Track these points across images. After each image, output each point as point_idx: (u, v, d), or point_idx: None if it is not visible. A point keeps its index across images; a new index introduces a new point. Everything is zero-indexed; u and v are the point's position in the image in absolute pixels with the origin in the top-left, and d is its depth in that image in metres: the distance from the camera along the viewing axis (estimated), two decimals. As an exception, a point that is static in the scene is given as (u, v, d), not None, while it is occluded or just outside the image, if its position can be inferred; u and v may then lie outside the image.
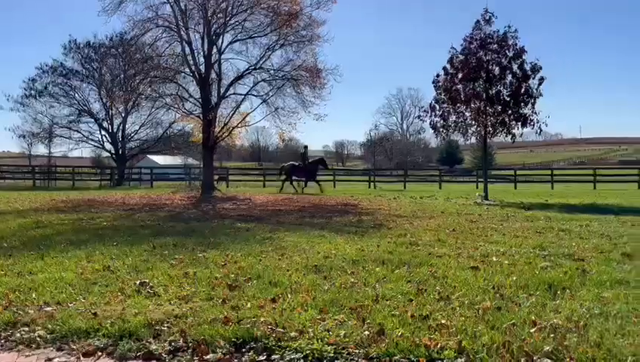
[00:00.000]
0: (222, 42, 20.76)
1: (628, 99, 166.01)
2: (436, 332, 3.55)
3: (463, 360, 3.13)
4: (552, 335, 3.41)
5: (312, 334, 3.56)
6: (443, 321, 3.76)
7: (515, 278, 5.14)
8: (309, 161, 25.43)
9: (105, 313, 4.10)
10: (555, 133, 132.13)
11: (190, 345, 3.50)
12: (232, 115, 21.51)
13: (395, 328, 3.64)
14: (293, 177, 24.87)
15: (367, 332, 3.55)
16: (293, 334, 3.57)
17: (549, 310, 4.05)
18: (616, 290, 4.65)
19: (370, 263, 6.03)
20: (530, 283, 4.95)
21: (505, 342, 3.30)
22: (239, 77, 21.26)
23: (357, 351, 3.31)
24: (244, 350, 3.43)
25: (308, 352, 3.30)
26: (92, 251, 6.93)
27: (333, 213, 13.06)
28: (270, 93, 21.15)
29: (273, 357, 3.32)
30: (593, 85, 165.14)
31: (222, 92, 21.06)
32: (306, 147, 27.06)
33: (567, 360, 3.05)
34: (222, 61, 21.14)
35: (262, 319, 3.86)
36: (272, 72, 21.13)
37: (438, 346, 3.29)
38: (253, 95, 21.42)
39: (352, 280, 5.18)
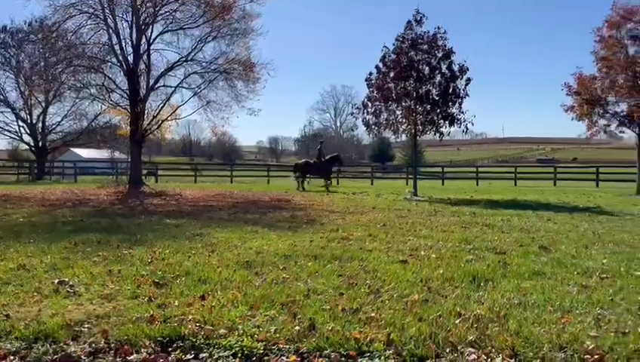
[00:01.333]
0: (151, 32, 20.03)
1: (545, 101, 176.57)
2: (366, 326, 3.59)
3: (391, 351, 3.18)
4: (475, 326, 3.54)
5: (242, 331, 3.50)
6: (373, 314, 3.82)
7: (441, 271, 5.30)
8: (324, 158, 23.91)
9: (18, 314, 3.84)
10: (479, 133, 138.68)
11: (112, 345, 3.34)
12: (162, 107, 20.85)
13: (325, 322, 3.65)
14: (307, 175, 23.45)
15: (298, 328, 3.53)
16: (222, 331, 3.49)
17: (473, 301, 4.21)
18: (533, 281, 4.91)
19: (302, 258, 6.03)
20: (455, 275, 5.12)
21: (431, 333, 3.40)
22: (170, 68, 20.60)
23: (287, 346, 3.29)
24: (170, 349, 3.32)
25: (237, 349, 3.24)
26: (5, 249, 6.48)
27: (266, 208, 12.96)
28: (202, 86, 20.68)
29: (201, 355, 3.23)
30: (514, 87, 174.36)
31: (151, 84, 20.33)
32: (321, 143, 25.95)
33: (489, 348, 3.17)
34: (151, 52, 20.40)
35: (190, 317, 3.75)
36: (204, 64, 20.64)
37: (368, 339, 3.33)
38: (184, 87, 20.86)
39: (284, 275, 5.15)
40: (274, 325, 3.60)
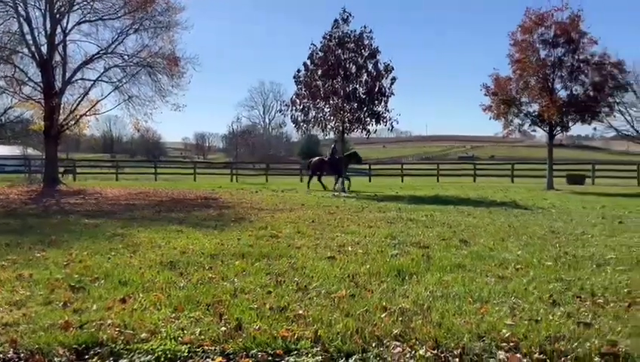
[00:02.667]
0: (67, 22, 19.02)
1: (466, 101, 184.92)
2: (294, 323, 3.57)
3: (318, 348, 3.18)
4: (400, 319, 3.62)
5: (165, 334, 3.37)
6: (300, 312, 3.80)
7: (368, 266, 5.38)
8: (339, 155, 22.26)
9: None
10: (405, 131, 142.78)
11: (22, 356, 3.11)
12: (80, 101, 19.85)
13: (252, 321, 3.59)
14: (319, 173, 22.00)
15: (224, 328, 3.45)
16: (144, 335, 3.35)
17: (398, 295, 4.30)
18: (455, 274, 5.10)
19: (229, 257, 5.92)
20: (382, 270, 5.21)
21: (358, 328, 3.43)
22: (88, 61, 19.63)
23: (213, 348, 3.20)
24: (87, 357, 3.13)
25: (160, 353, 3.12)
26: None
27: (192, 207, 12.64)
28: (124, 80, 19.91)
29: (121, 361, 3.07)
30: (438, 87, 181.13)
31: (68, 76, 19.29)
32: (336, 141, 24.70)
33: (413, 341, 3.25)
34: (67, 43, 19.40)
35: (109, 321, 3.57)
36: (125, 57, 19.86)
37: (295, 337, 3.31)
38: (104, 81, 19.97)
39: (210, 275, 5.03)
40: (199, 326, 3.50)
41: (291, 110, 19.47)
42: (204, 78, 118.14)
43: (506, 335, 3.30)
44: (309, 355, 3.10)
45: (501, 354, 3.06)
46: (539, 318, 3.63)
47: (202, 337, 3.33)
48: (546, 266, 5.48)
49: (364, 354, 3.09)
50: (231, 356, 3.13)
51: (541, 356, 3.05)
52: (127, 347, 3.20)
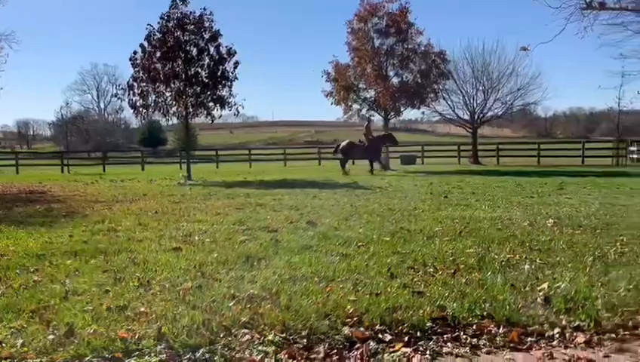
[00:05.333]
0: None
1: (310, 87, 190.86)
2: (135, 322, 3.32)
3: (162, 346, 3.00)
4: (249, 306, 3.57)
5: (-24, 352, 2.91)
6: (142, 309, 3.56)
7: (216, 255, 5.25)
8: (372, 136, 20.00)
9: None
10: (251, 116, 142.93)
11: None
12: None
13: (87, 325, 3.27)
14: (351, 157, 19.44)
15: (52, 336, 3.09)
16: (-51, 357, 2.86)
17: (247, 281, 4.25)
18: (302, 255, 5.19)
19: (59, 256, 5.33)
20: (230, 257, 5.12)
21: (205, 319, 3.31)
22: None
23: (38, 360, 2.84)
24: None
25: (-30, 375, 2.68)
26: None
27: (14, 202, 11.22)
28: None
29: None
30: (283, 73, 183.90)
31: None
32: (369, 120, 21.18)
33: (262, 326, 3.23)
34: None
35: None
36: None
37: (137, 336, 3.08)
38: None
39: (36, 278, 4.48)
40: (21, 337, 3.09)
41: (129, 94, 18.26)
42: (25, 58, 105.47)
43: (350, 311, 3.43)
44: (152, 354, 2.91)
45: (346, 330, 3.17)
46: (379, 291, 3.85)
47: (25, 349, 2.94)
48: (384, 241, 5.85)
49: (212, 346, 2.99)
50: (61, 366, 2.81)
51: (382, 327, 3.23)
52: None
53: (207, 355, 2.91)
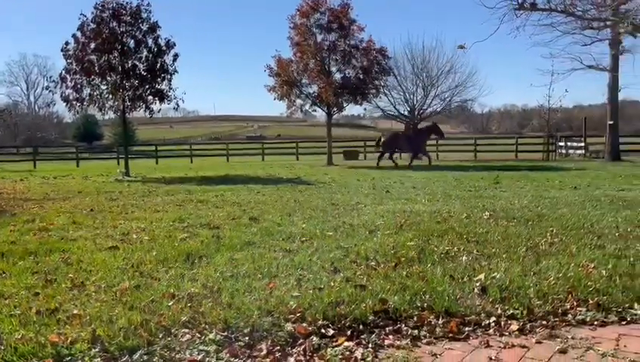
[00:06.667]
0: None
1: (253, 81, 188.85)
2: (67, 326, 3.16)
3: (97, 349, 2.87)
4: (189, 305, 3.48)
5: None
6: (76, 311, 3.40)
7: (155, 253, 5.09)
8: (417, 128, 18.69)
9: None
10: (192, 110, 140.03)
11: None
12: None
13: (14, 331, 3.08)
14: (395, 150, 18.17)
15: (-27, 346, 2.89)
16: None
17: (187, 280, 4.14)
18: (245, 252, 5.13)
19: (-17, 259, 5.01)
20: (169, 256, 4.98)
21: (143, 320, 3.20)
22: None
23: (-41, 370, 2.66)
24: None
25: None
26: None
27: None
28: None
29: None
30: (225, 68, 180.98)
31: None
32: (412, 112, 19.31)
33: (203, 325, 3.15)
34: None
35: None
36: None
37: (69, 340, 2.93)
38: None
39: (-44, 283, 4.19)
40: (-60, 347, 2.87)
41: (61, 87, 17.42)
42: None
43: (293, 306, 3.41)
44: (86, 358, 2.78)
45: (289, 326, 3.15)
46: (322, 286, 3.85)
47: (-55, 359, 2.74)
48: (327, 236, 5.87)
49: (150, 348, 2.89)
50: (-16, 377, 2.64)
51: (325, 322, 3.23)
52: None
53: (145, 357, 2.80)
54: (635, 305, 3.49)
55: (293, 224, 6.79)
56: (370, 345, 2.99)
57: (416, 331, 3.17)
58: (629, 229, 6.00)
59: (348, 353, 2.88)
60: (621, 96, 26.43)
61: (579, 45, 20.32)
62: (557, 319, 3.32)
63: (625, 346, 2.94)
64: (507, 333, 3.15)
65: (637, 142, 30.60)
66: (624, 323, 3.30)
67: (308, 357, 2.84)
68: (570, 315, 3.37)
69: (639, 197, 9.21)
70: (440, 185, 12.55)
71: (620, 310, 3.43)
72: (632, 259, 4.56)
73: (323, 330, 3.13)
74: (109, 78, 17.34)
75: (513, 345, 2.98)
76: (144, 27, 17.60)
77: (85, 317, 3.29)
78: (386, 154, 20.88)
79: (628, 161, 23.23)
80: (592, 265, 4.30)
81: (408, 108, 31.54)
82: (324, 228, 6.43)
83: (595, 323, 3.28)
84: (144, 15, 17.60)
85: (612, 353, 2.85)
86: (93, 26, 17.09)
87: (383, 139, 21.08)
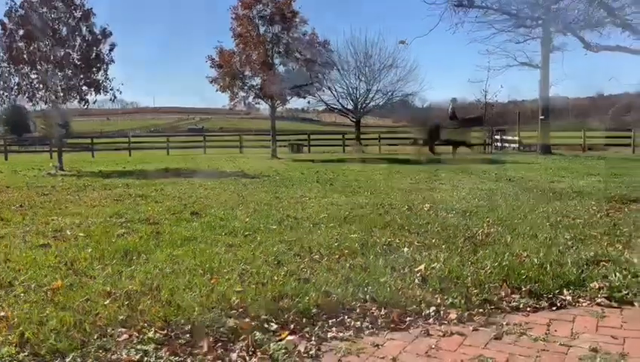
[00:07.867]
0: None
1: (194, 73, 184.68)
2: (-8, 330, 2.98)
3: (26, 353, 2.72)
4: (126, 303, 3.36)
5: None
6: (2, 313, 3.21)
7: (90, 250, 4.89)
8: (459, 119, 17.53)
9: None
10: (131, 102, 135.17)
11: None
12: None
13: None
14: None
15: None
16: None
17: (125, 277, 4.00)
18: (185, 247, 5.01)
19: None
20: (106, 253, 4.79)
21: (77, 321, 3.06)
22: None
23: None
24: None
25: None
26: None
27: None
28: None
29: None
30: (164, 59, 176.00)
31: None
32: (454, 100, 17.83)
33: (141, 323, 3.05)
34: None
35: None
36: None
37: (-6, 346, 2.76)
38: None
39: None
40: None
41: (-14, 76, 16.38)
42: None
43: (236, 302, 3.37)
44: (14, 363, 2.63)
45: (231, 322, 3.10)
46: (265, 281, 3.82)
47: None
48: (271, 230, 5.83)
49: (84, 349, 2.77)
50: None
51: (268, 316, 3.20)
52: None
53: (78, 360, 2.68)
54: (565, 291, 3.67)
55: (237, 218, 6.70)
56: (313, 339, 3.00)
57: (359, 323, 3.20)
58: (558, 219, 6.31)
59: (292, 346, 2.87)
60: (552, 92, 27.70)
61: (513, 43, 21.14)
62: (492, 307, 3.44)
63: (555, 331, 3.09)
64: (446, 322, 3.24)
65: (566, 136, 32.26)
66: (554, 308, 3.46)
67: (251, 353, 2.80)
68: (504, 302, 3.51)
69: (568, 189, 9.72)
70: (383, 178, 12.75)
71: (550, 296, 3.61)
72: (561, 247, 4.80)
73: (266, 325, 3.11)
74: (39, 68, 16.45)
75: (452, 333, 3.06)
76: (77, 14, 16.80)
77: (13, 319, 3.11)
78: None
79: (558, 154, 24.45)
80: (525, 254, 4.49)
81: (352, 102, 31.89)
82: (268, 221, 6.39)
83: (528, 309, 3.43)
84: (77, 1, 16.80)
85: (544, 337, 2.98)
86: (21, 12, 16.16)
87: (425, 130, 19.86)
